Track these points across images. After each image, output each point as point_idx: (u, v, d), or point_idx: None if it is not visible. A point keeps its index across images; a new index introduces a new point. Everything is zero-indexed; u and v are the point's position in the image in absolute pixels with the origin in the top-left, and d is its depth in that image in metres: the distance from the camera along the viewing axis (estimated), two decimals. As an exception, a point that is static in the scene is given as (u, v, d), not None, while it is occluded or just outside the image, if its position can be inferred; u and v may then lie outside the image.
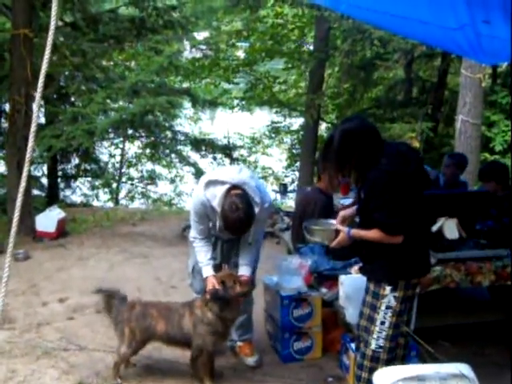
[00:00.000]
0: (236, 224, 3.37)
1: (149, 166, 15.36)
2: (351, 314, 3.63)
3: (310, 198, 4.78)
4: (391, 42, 9.84)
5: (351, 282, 3.69)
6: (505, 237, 4.00)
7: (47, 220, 7.10)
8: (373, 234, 2.89)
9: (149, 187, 15.24)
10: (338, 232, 3.08)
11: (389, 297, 2.93)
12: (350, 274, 3.92)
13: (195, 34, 13.39)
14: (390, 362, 2.99)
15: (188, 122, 15.74)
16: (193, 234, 3.76)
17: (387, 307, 2.94)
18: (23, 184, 2.60)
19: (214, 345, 3.55)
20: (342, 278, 3.78)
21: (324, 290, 4.04)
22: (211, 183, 3.53)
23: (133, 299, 3.81)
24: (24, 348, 4.07)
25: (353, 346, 3.63)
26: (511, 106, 9.13)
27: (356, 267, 3.96)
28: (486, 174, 4.83)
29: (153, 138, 11.98)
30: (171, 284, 5.56)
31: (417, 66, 12.09)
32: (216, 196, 3.47)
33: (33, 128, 2.57)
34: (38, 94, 2.58)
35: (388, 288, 2.93)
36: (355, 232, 3.01)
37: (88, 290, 5.25)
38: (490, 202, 4.33)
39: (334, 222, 3.24)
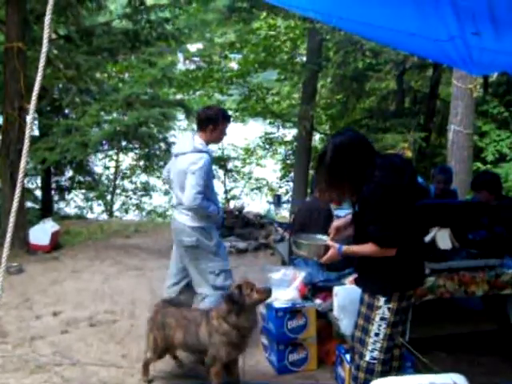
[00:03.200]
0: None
1: (143, 177, 15.39)
2: (346, 325, 3.63)
3: (313, 206, 4.76)
4: (383, 53, 9.92)
5: (345, 293, 3.69)
6: (497, 246, 4.02)
7: (41, 233, 7.08)
8: (365, 248, 2.88)
9: (143, 199, 15.24)
10: (328, 247, 3.07)
11: (383, 308, 2.93)
12: (344, 285, 3.92)
13: (188, 46, 13.47)
14: (384, 373, 2.98)
15: (182, 133, 15.75)
16: (201, 197, 4.00)
17: (381, 319, 2.94)
18: (17, 197, 2.60)
19: (228, 356, 3.53)
20: (336, 289, 3.78)
21: (318, 301, 4.03)
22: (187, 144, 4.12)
23: (157, 306, 3.84)
24: (17, 362, 4.04)
25: (348, 357, 3.62)
26: None
27: (351, 278, 3.97)
28: (479, 184, 4.85)
29: (147, 150, 11.99)
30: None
31: (408, 77, 12.18)
32: (203, 141, 4.10)
33: (26, 140, 2.57)
34: (31, 107, 2.58)
35: (382, 299, 2.92)
36: (346, 248, 2.99)
37: (82, 303, 5.27)
38: (483, 212, 4.36)
39: (324, 237, 3.21)
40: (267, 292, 3.54)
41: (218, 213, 4.23)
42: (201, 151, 4.05)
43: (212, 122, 4.13)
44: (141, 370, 3.81)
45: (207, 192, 4.08)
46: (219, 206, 4.34)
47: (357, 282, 3.16)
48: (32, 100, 2.56)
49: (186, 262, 4.25)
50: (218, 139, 4.38)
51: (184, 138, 4.51)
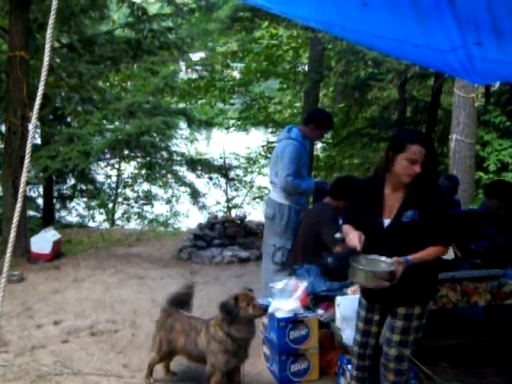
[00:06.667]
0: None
1: (145, 186, 15.36)
2: (348, 336, 3.61)
3: (318, 212, 4.70)
4: (385, 62, 9.95)
5: (348, 304, 3.67)
6: (500, 256, 4.00)
7: (42, 241, 7.07)
8: (432, 251, 2.94)
9: (145, 208, 15.22)
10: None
11: (421, 317, 3.00)
12: (347, 294, 3.90)
13: (191, 54, 13.50)
14: None
15: (184, 142, 15.79)
16: (291, 178, 4.63)
17: (418, 327, 3.01)
18: (19, 205, 2.59)
19: (227, 364, 3.52)
20: (339, 299, 3.77)
21: (320, 311, 4.01)
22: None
23: (169, 309, 3.86)
24: (18, 372, 4.02)
25: (350, 367, 3.60)
26: None
27: (353, 288, 3.95)
28: (490, 191, 4.84)
29: (149, 159, 11.99)
30: (167, 305, 5.52)
31: (410, 86, 12.20)
32: (299, 132, 4.75)
33: (28, 149, 2.57)
34: (33, 115, 2.58)
35: (420, 308, 3.00)
36: (413, 258, 2.93)
37: (83, 313, 5.25)
38: (489, 221, 4.34)
39: (382, 258, 2.97)
40: (262, 310, 3.54)
41: (312, 185, 4.91)
42: (292, 139, 4.71)
43: (315, 122, 4.81)
44: (145, 371, 3.86)
45: (300, 172, 4.73)
46: (311, 180, 5.10)
47: (384, 297, 3.06)
48: (34, 109, 2.56)
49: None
50: (314, 138, 5.32)
51: (284, 129, 5.05)
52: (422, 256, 2.94)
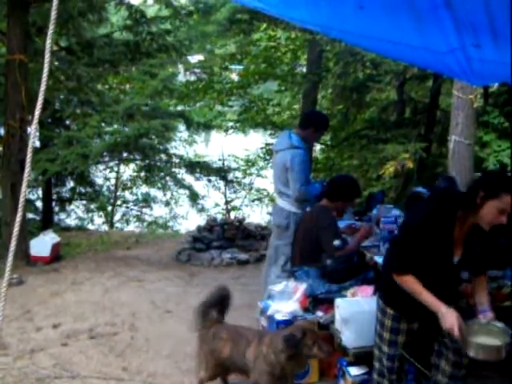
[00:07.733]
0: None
1: (144, 188, 15.38)
2: (347, 338, 3.61)
3: (316, 214, 4.67)
4: (383, 64, 9.94)
5: (347, 306, 3.67)
6: (499, 258, 4.00)
7: (41, 244, 7.07)
8: (485, 283, 3.12)
9: (144, 210, 15.23)
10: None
11: None
12: (346, 297, 3.91)
13: (189, 57, 13.51)
14: None
15: (183, 144, 15.79)
16: (304, 188, 4.72)
17: None
18: (20, 212, 2.58)
19: None
20: (338, 301, 3.76)
21: (320, 313, 4.01)
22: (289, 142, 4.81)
23: (210, 319, 3.65)
24: (17, 375, 4.02)
25: (349, 369, 3.60)
26: None
27: (352, 290, 3.95)
28: None
29: (147, 161, 12.00)
30: (166, 308, 5.53)
31: (409, 88, 12.19)
32: (299, 137, 4.79)
33: (29, 154, 2.56)
34: (35, 118, 2.58)
35: None
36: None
37: (82, 315, 5.25)
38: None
39: (497, 324, 3.01)
40: (328, 353, 3.37)
41: (319, 188, 4.89)
42: (297, 147, 4.73)
43: (314, 126, 4.88)
44: None
45: (307, 178, 4.87)
46: (316, 183, 5.13)
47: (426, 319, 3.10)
48: (36, 111, 2.56)
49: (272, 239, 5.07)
50: (313, 141, 5.63)
51: (282, 135, 5.10)
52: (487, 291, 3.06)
